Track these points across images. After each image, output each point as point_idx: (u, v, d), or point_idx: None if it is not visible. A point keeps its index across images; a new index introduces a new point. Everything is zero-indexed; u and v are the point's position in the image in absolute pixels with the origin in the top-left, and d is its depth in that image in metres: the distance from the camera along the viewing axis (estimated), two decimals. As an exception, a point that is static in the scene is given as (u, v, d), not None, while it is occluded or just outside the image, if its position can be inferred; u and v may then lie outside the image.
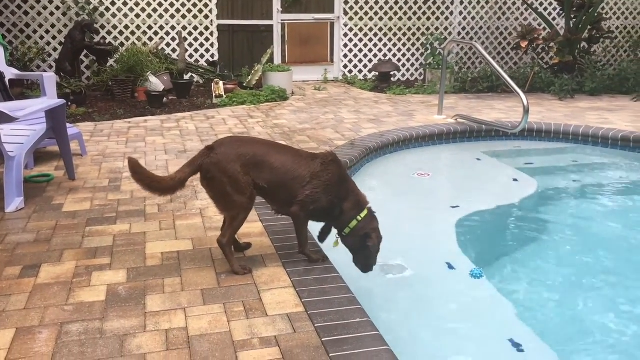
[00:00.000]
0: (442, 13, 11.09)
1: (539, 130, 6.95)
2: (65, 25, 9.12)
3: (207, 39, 9.98)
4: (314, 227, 3.43)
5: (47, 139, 4.80)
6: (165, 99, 8.13)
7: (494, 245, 4.51)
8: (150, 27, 9.62)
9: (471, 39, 11.18)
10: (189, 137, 6.33)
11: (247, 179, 3.08)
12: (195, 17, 9.84)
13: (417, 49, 11.09)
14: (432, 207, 5.16)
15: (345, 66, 10.95)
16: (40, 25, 9.08)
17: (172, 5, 9.68)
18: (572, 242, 4.51)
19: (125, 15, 9.47)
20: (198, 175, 3.16)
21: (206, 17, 9.90)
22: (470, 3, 11.13)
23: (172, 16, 9.72)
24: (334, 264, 3.28)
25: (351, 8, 10.70)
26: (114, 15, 9.43)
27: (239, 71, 9.90)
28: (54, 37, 9.14)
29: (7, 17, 8.90)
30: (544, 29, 10.70)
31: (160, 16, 9.65)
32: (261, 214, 3.97)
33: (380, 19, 10.87)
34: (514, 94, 6.56)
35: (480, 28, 11.29)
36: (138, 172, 3.09)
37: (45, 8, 9.05)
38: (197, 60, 9.95)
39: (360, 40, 10.87)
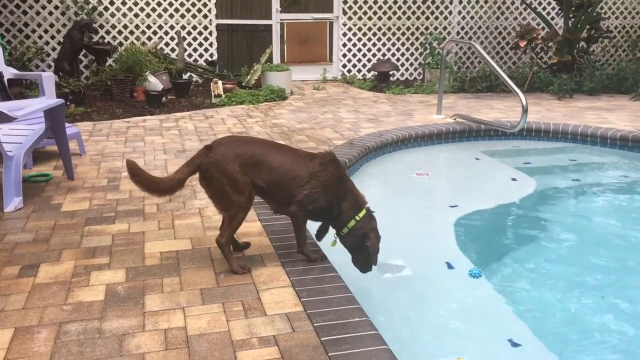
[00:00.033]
0: (441, 13, 11.09)
1: (537, 130, 6.95)
2: (64, 25, 9.11)
3: (206, 39, 9.98)
4: (313, 227, 3.43)
5: (45, 139, 4.80)
6: (164, 99, 8.13)
7: (492, 244, 4.51)
8: (149, 27, 9.62)
9: (470, 38, 11.18)
10: (187, 137, 6.33)
11: (245, 178, 3.08)
12: (194, 16, 9.84)
13: (416, 49, 11.09)
14: (431, 207, 5.17)
15: (344, 66, 10.95)
16: (39, 25, 9.07)
17: (170, 4, 9.67)
18: (570, 242, 4.51)
19: (124, 15, 9.47)
20: (197, 175, 3.17)
21: (205, 16, 9.90)
22: (469, 3, 11.13)
23: (171, 15, 9.71)
24: (333, 263, 3.28)
25: (350, 7, 10.70)
26: (112, 15, 9.42)
27: (238, 71, 9.89)
28: (52, 37, 9.14)
29: (5, 17, 8.89)
30: (543, 28, 10.70)
31: (159, 15, 9.65)
32: (260, 214, 3.97)
33: (379, 18, 10.87)
34: (513, 94, 6.56)
35: (479, 28, 11.29)
36: (136, 174, 3.09)
37: (43, 7, 9.04)
38: (196, 60, 9.94)
39: (359, 39, 10.87)
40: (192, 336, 2.57)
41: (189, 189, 4.46)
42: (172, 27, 9.72)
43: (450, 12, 11.12)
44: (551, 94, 9.38)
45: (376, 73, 10.50)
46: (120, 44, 9.38)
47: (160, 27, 9.67)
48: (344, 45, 10.84)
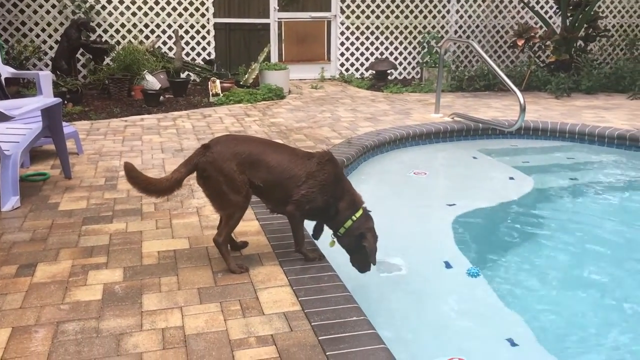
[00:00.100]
0: (439, 11, 11.09)
1: (535, 129, 6.96)
2: (61, 24, 9.10)
3: (203, 37, 9.96)
4: (310, 226, 3.43)
5: (43, 138, 4.79)
6: (161, 98, 8.12)
7: (490, 243, 4.52)
8: (146, 26, 9.60)
9: (468, 37, 11.18)
10: (185, 136, 6.32)
11: (242, 177, 3.07)
12: (191, 15, 9.83)
13: (414, 48, 11.09)
14: (428, 206, 5.17)
15: (342, 64, 10.95)
16: (36, 24, 9.05)
17: (168, 3, 9.66)
18: (568, 240, 4.52)
19: (122, 14, 9.45)
20: (195, 174, 3.16)
21: (202, 15, 9.88)
22: (467, 1, 11.13)
23: (169, 14, 9.70)
24: (331, 262, 3.28)
25: (348, 6, 10.69)
26: (110, 14, 9.41)
27: (236, 70, 9.88)
28: (50, 36, 9.12)
29: (2, 16, 8.87)
30: (541, 27, 10.71)
31: (157, 14, 9.63)
32: (257, 213, 3.97)
33: (377, 17, 10.87)
34: (511, 93, 6.57)
35: (477, 26, 11.30)
36: (134, 176, 3.10)
37: (41, 6, 9.02)
38: (193, 59, 9.93)
39: (357, 38, 10.87)
40: (190, 335, 2.57)
41: (186, 188, 4.45)
42: (169, 26, 9.70)
43: (448, 11, 11.12)
44: (549, 93, 9.39)
45: (374, 72, 10.51)
46: (118, 42, 9.37)
47: (157, 25, 9.66)
48: (342, 44, 10.84)
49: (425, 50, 10.36)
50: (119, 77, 8.25)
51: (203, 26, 9.91)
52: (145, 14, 9.57)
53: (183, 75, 9.27)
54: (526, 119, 6.54)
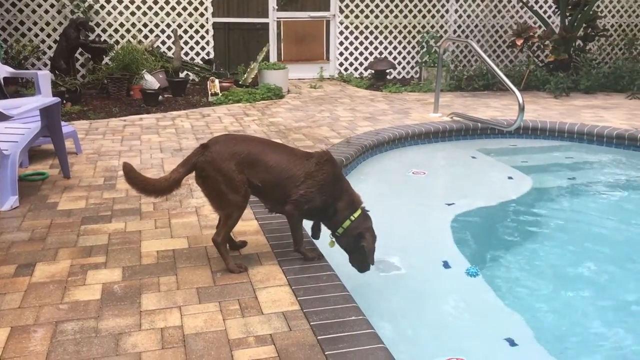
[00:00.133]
0: (438, 11, 11.09)
1: (534, 128, 6.96)
2: (60, 23, 9.09)
3: (202, 37, 9.96)
4: (309, 225, 3.43)
5: (41, 137, 4.79)
6: (160, 97, 8.12)
7: (489, 243, 4.52)
8: (145, 25, 9.60)
9: (467, 37, 11.19)
10: (184, 135, 6.32)
11: (241, 177, 3.07)
12: (190, 14, 9.82)
13: (413, 47, 11.10)
14: (427, 205, 5.17)
15: (341, 64, 10.94)
16: (35, 23, 9.04)
17: (167, 2, 9.65)
18: (567, 240, 4.52)
19: (120, 13, 9.45)
20: (193, 174, 3.16)
21: (201, 14, 9.88)
22: (465, 1, 11.13)
23: (168, 14, 9.70)
24: (330, 262, 3.28)
25: (347, 6, 10.69)
26: (108, 13, 9.40)
27: (235, 69, 9.87)
28: (48, 35, 9.11)
29: (1, 15, 8.86)
30: (540, 27, 10.71)
31: (156, 14, 9.63)
32: (256, 212, 3.97)
33: (376, 16, 10.87)
34: (510, 92, 6.57)
35: (476, 26, 11.30)
36: (132, 176, 3.10)
37: (39, 6, 9.01)
38: (192, 58, 9.93)
39: (356, 38, 10.87)
40: (189, 335, 2.57)
41: (185, 188, 4.45)
42: (168, 25, 9.70)
43: (447, 11, 11.12)
44: (548, 93, 9.40)
45: (373, 71, 10.51)
46: (117, 42, 9.37)
47: (156, 25, 9.65)
48: (341, 43, 10.84)
49: (424, 49, 10.36)
50: (118, 77, 8.24)
51: (202, 25, 9.91)
52: (144, 14, 9.57)
53: (182, 75, 9.27)
54: (525, 118, 6.54)
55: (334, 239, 3.24)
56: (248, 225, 3.78)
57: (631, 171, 6.08)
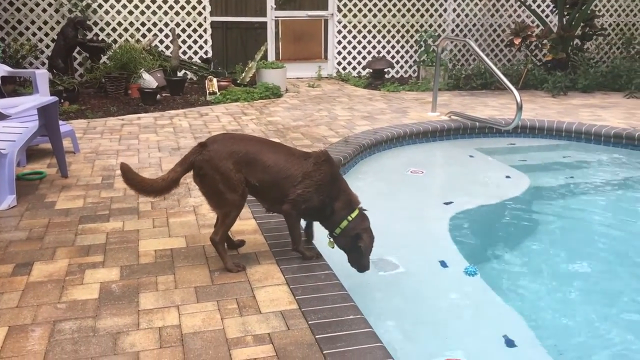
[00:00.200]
0: (436, 10, 11.10)
1: (532, 127, 6.97)
2: (58, 22, 9.08)
3: (200, 36, 9.96)
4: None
5: (39, 137, 4.79)
6: (158, 96, 8.11)
7: (487, 242, 4.52)
8: (143, 24, 9.59)
9: (465, 36, 11.19)
10: (182, 135, 6.32)
11: (239, 176, 3.07)
12: (188, 13, 9.82)
13: (411, 46, 11.10)
14: (425, 204, 5.17)
15: (339, 63, 10.94)
16: (33, 22, 9.03)
17: (165, 1, 9.65)
18: (565, 239, 4.53)
19: (118, 12, 9.44)
20: (192, 173, 3.17)
21: (199, 13, 9.87)
22: (463, 0, 11.14)
23: (165, 13, 9.69)
24: (328, 261, 3.28)
25: (345, 5, 10.69)
26: (106, 12, 9.39)
27: (233, 68, 9.87)
28: (46, 34, 9.10)
29: (-1, 14, 8.86)
30: (537, 26, 10.73)
31: (154, 13, 9.62)
32: (255, 212, 3.97)
33: (374, 15, 10.87)
34: (508, 91, 6.58)
35: (474, 25, 11.30)
36: (130, 177, 3.11)
37: (37, 5, 9.00)
38: (190, 57, 9.92)
39: (354, 37, 10.87)
40: (187, 334, 2.57)
41: (183, 187, 4.45)
42: (166, 24, 9.69)
43: (445, 10, 11.13)
44: (545, 92, 9.41)
45: (371, 70, 10.52)
46: (115, 41, 9.36)
47: (154, 24, 9.65)
48: (339, 42, 10.84)
49: (422, 48, 10.36)
50: (116, 76, 8.23)
51: (200, 24, 9.90)
52: (142, 12, 9.56)
53: (180, 74, 9.26)
54: (523, 117, 6.54)
55: (332, 240, 3.25)
56: (246, 225, 3.78)
57: (629, 170, 6.08)
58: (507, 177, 5.81)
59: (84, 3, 9.13)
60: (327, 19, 10.78)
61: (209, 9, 9.90)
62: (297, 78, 10.65)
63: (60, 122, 4.99)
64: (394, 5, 10.88)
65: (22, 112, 4.44)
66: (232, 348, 2.47)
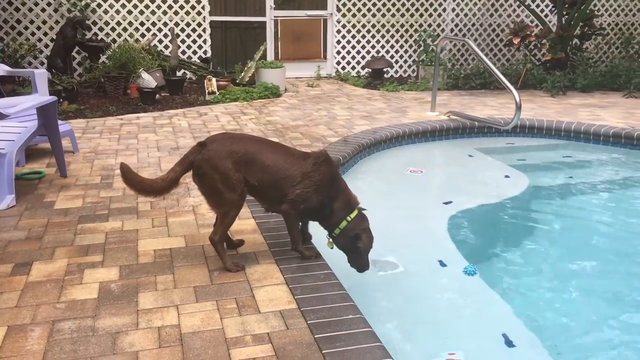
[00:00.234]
0: (435, 10, 11.10)
1: (531, 127, 6.97)
2: (57, 22, 9.07)
3: (199, 36, 9.95)
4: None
5: (38, 136, 4.78)
6: (157, 96, 8.10)
7: (486, 241, 4.52)
8: (142, 24, 9.58)
9: (464, 35, 11.19)
10: (181, 134, 6.31)
11: (238, 176, 3.07)
12: (187, 13, 9.81)
13: (410, 46, 11.10)
14: (424, 204, 5.18)
15: (338, 63, 10.94)
16: (32, 22, 9.02)
17: (164, 1, 9.64)
18: (564, 238, 4.53)
19: (117, 12, 9.43)
20: (191, 172, 3.17)
21: (199, 13, 9.87)
22: (462, 0, 11.14)
23: (165, 12, 9.68)
24: (327, 260, 3.28)
25: (344, 4, 10.69)
26: (105, 12, 9.38)
27: (232, 68, 9.86)
28: (45, 34, 9.09)
29: (-3, 13, 8.85)
30: (536, 25, 10.73)
31: (153, 12, 9.62)
32: (254, 211, 3.97)
33: (373, 15, 10.87)
34: (507, 91, 6.58)
35: (473, 25, 11.31)
36: (130, 177, 3.11)
37: (36, 4, 8.99)
38: (189, 57, 9.92)
39: (353, 36, 10.86)
40: (186, 334, 2.57)
41: (182, 187, 4.45)
42: (165, 24, 9.69)
43: (444, 9, 11.13)
44: (544, 91, 9.41)
45: (370, 70, 10.51)
46: (114, 40, 9.35)
47: (153, 23, 9.64)
48: (338, 42, 10.84)
49: (422, 48, 10.36)
50: (115, 75, 8.23)
51: (199, 24, 9.90)
52: (141, 12, 9.55)
53: (179, 74, 9.26)
54: (522, 117, 6.55)
55: (331, 240, 3.25)
56: (245, 224, 3.78)
57: (628, 169, 6.09)
58: (506, 176, 5.81)
59: (83, 2, 9.12)
60: (326, 18, 10.78)
61: (208, 8, 9.90)
62: (296, 78, 10.64)
63: (59, 121, 4.99)
64: (393, 4, 10.88)
65: (21, 111, 4.43)
66: (231, 348, 2.47)
